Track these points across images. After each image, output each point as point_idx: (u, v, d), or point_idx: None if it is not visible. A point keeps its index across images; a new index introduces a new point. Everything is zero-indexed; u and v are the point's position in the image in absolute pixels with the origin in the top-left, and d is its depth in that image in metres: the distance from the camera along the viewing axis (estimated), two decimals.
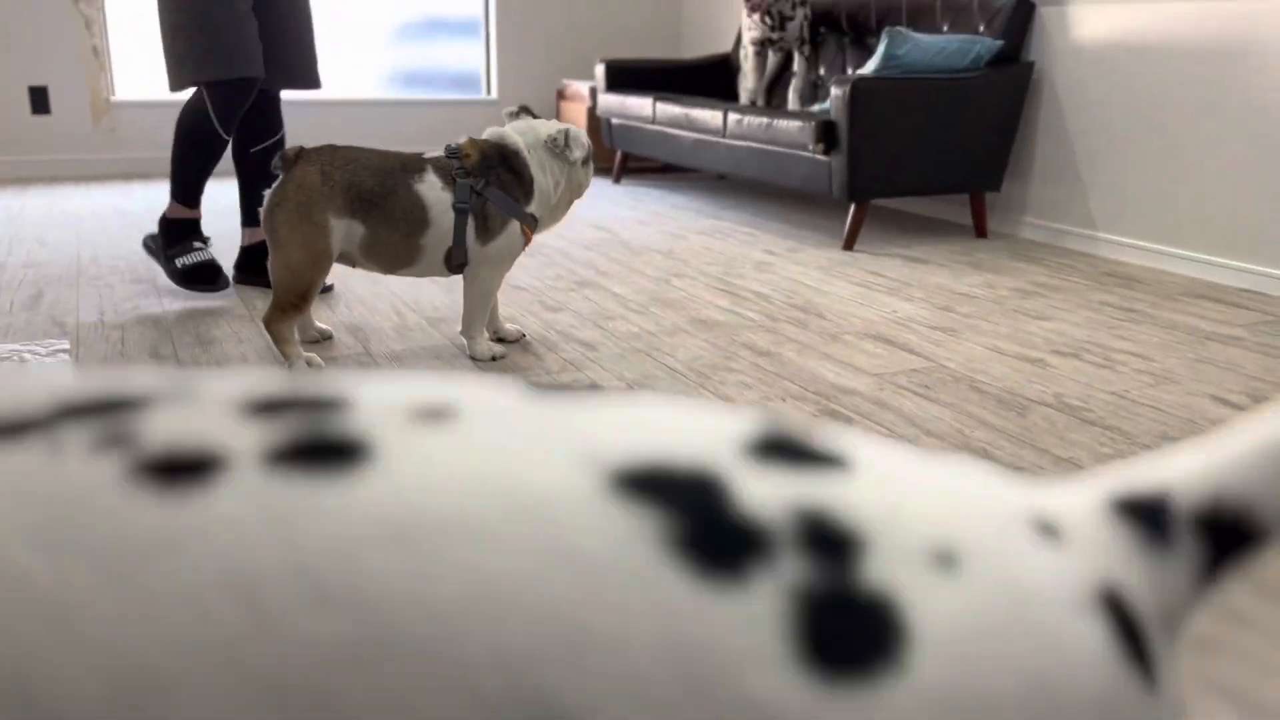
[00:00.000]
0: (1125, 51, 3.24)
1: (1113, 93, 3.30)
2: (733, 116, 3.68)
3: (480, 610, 0.28)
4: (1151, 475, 0.36)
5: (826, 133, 3.32)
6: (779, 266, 3.15)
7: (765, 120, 3.53)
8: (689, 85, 4.66)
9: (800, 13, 3.85)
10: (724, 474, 0.32)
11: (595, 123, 4.82)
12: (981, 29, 3.53)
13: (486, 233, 2.13)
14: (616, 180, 4.72)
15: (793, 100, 3.84)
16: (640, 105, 4.26)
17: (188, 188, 2.71)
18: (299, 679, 0.27)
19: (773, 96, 4.00)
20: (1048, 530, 0.34)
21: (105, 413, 0.31)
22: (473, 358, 2.22)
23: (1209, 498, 0.34)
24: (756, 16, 3.85)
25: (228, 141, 2.69)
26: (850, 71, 3.40)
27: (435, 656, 0.27)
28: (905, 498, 0.33)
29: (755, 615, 0.29)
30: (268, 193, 2.09)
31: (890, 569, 0.31)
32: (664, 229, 3.70)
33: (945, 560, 0.31)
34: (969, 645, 0.30)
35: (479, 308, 2.21)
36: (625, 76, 4.55)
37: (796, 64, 3.91)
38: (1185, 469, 0.35)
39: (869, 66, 3.45)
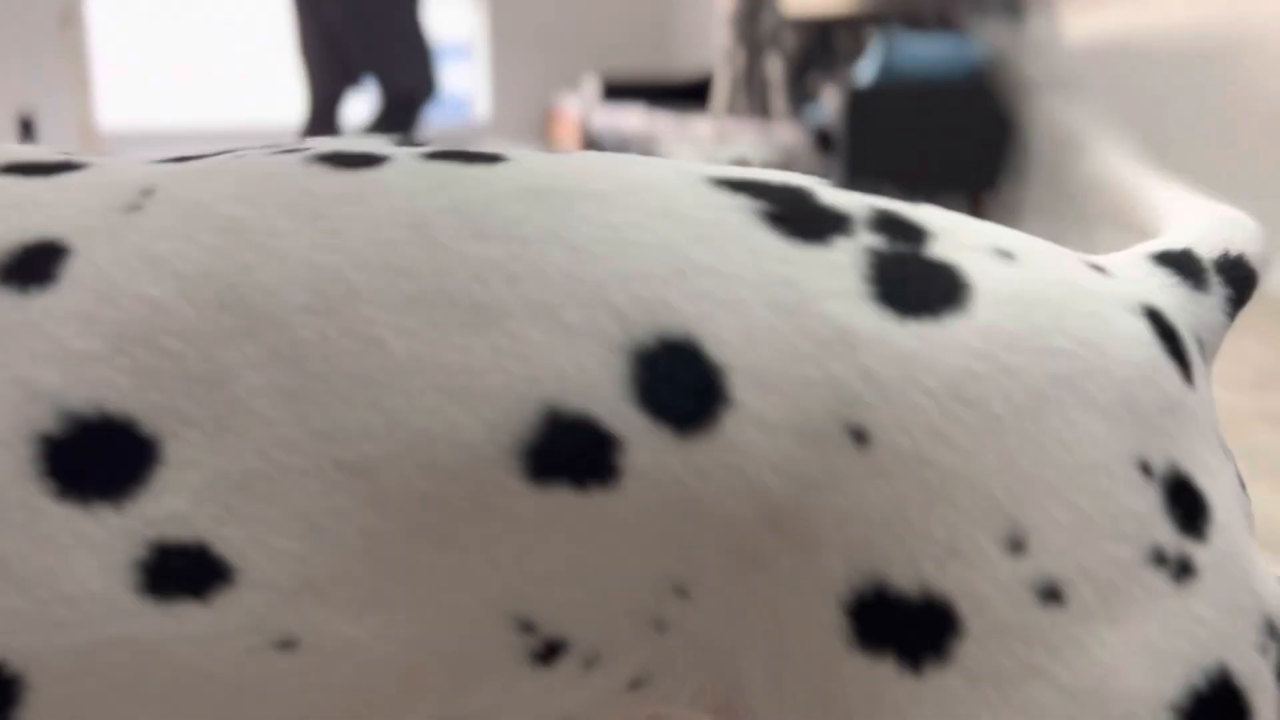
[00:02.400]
0: (1116, 53, 3.24)
1: (1105, 94, 3.30)
2: (729, 124, 3.67)
3: (605, 245, 0.33)
4: (1172, 239, 0.41)
5: (822, 137, 3.31)
6: None
7: (760, 126, 3.52)
8: (682, 98, 4.66)
9: (770, 12, 3.74)
10: (810, 187, 0.37)
11: (587, 137, 4.81)
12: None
13: None
14: None
15: (779, 105, 3.79)
16: (633, 118, 4.24)
17: None
18: (462, 288, 0.33)
19: (765, 103, 3.99)
20: (1096, 266, 0.38)
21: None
22: None
23: (1220, 247, 0.40)
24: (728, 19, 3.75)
25: None
26: (844, 76, 3.42)
27: (573, 275, 0.33)
28: (969, 223, 0.38)
29: (836, 263, 0.34)
30: None
31: (953, 251, 0.35)
32: None
33: (1004, 254, 0.36)
34: (1025, 306, 0.34)
35: None
36: (618, 91, 4.55)
37: (771, 66, 3.80)
38: (1194, 233, 0.41)
39: (863, 71, 3.45)
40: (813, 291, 0.33)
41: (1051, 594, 0.31)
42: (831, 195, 0.37)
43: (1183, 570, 0.32)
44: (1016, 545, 0.31)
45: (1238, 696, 0.31)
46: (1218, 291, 0.38)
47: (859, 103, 3.23)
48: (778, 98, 3.76)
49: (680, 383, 0.32)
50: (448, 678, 0.34)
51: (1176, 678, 0.31)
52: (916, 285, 0.34)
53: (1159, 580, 0.31)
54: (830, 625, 0.32)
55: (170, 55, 4.75)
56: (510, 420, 0.32)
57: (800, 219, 0.35)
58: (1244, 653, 0.31)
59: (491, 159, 0.36)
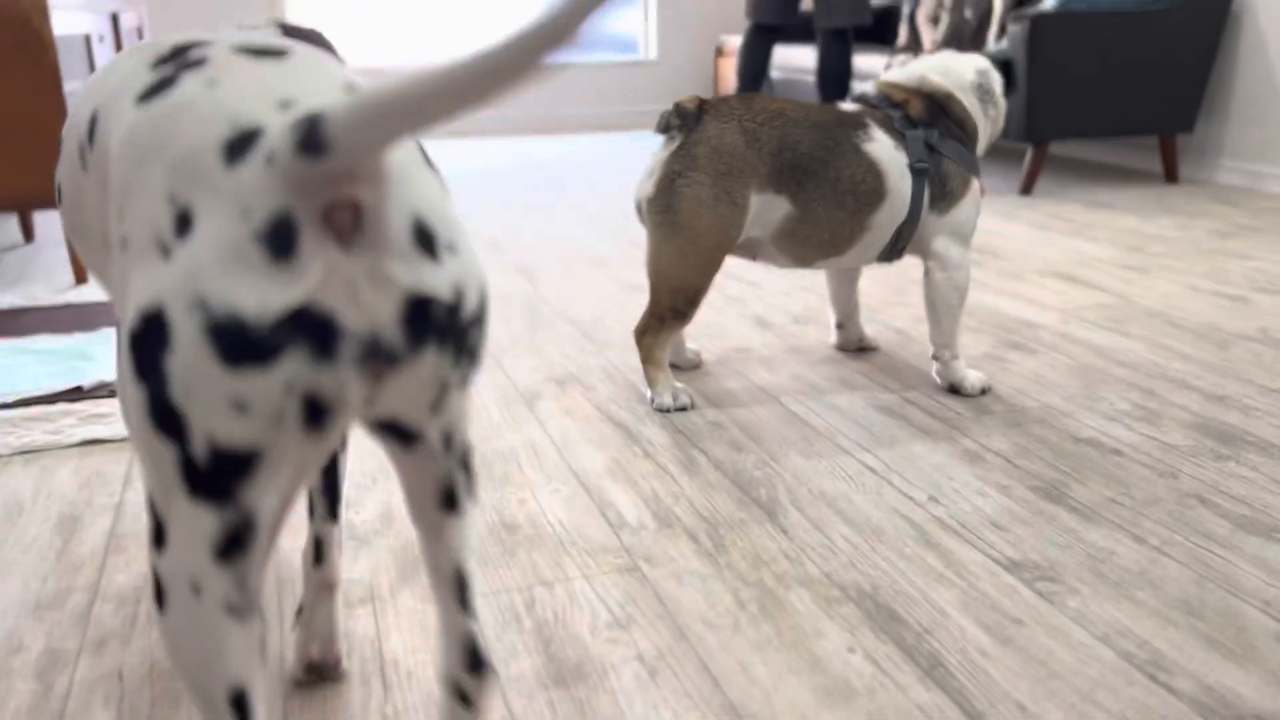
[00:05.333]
0: None
1: None
2: (899, 59, 3.56)
3: None
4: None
5: (1004, 72, 3.17)
6: None
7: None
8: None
9: None
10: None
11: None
12: None
13: (946, 198, 1.59)
14: None
15: (991, 41, 3.61)
16: (802, 56, 4.17)
17: None
18: None
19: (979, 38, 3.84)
20: (349, 87, 0.59)
21: None
22: (953, 387, 1.61)
23: (326, 113, 0.48)
24: None
25: None
26: (1030, 6, 3.25)
27: None
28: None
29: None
30: (655, 161, 1.54)
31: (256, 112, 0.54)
32: None
33: (286, 105, 0.54)
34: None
35: (955, 306, 1.60)
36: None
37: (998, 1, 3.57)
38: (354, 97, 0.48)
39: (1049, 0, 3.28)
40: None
41: None
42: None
43: None
44: None
45: None
46: (293, 143, 0.50)
47: (1042, 31, 3.07)
48: (993, 32, 3.61)
49: None
50: None
51: None
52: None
53: None
54: None
55: None
56: None
57: None
58: None
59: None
